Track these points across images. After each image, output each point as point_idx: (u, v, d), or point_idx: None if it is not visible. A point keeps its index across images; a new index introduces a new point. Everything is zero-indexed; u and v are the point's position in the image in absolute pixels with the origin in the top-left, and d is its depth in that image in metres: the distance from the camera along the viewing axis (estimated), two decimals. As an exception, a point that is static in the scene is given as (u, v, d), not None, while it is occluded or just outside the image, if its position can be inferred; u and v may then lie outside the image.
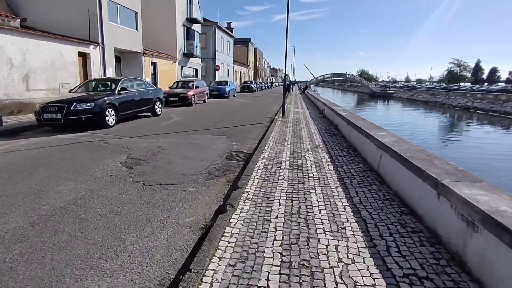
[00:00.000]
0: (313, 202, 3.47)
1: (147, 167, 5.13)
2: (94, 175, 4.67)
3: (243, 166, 5.39)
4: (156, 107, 11.85)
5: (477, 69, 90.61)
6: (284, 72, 11.88)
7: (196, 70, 30.27)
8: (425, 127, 22.45)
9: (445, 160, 3.23)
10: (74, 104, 8.11)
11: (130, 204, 3.63)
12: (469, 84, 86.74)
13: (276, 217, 3.09)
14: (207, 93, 20.16)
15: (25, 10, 14.68)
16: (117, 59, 18.89)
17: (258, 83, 48.55)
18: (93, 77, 13.67)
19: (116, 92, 9.45)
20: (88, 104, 8.30)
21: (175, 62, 24.37)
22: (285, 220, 3.02)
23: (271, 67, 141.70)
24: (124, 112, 9.75)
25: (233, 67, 46.61)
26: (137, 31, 18.71)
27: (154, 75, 21.46)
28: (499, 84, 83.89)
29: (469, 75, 64.69)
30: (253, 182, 4.20)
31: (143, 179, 4.53)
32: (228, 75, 43.47)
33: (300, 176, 4.44)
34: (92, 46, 14.50)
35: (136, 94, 10.54)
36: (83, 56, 14.20)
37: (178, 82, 18.82)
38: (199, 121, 10.82)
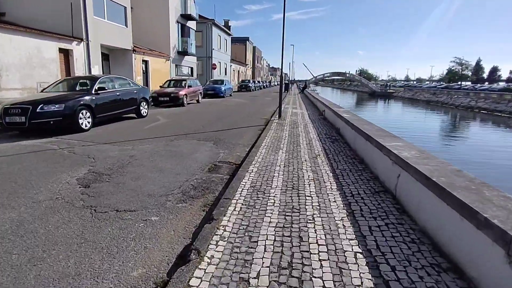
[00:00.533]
0: (311, 246, 2.51)
1: (108, 185, 4.16)
2: (35, 197, 3.70)
3: (227, 182, 4.44)
4: (141, 108, 10.88)
5: (478, 68, 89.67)
6: (281, 70, 10.95)
7: (192, 68, 29.28)
8: (430, 128, 21.51)
9: (498, 189, 2.28)
10: (41, 105, 7.14)
11: (63, 247, 2.67)
12: (469, 83, 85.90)
13: (258, 276, 2.13)
14: (201, 93, 19.18)
15: (5, 5, 13.69)
16: (106, 57, 17.92)
17: (256, 82, 47.55)
18: (76, 76, 12.66)
19: (93, 91, 8.47)
20: (57, 106, 7.33)
21: (168, 60, 23.38)
22: (270, 282, 2.06)
23: (270, 66, 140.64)
24: (102, 114, 8.77)
25: (231, 65, 45.61)
26: (127, 27, 17.72)
27: (146, 73, 20.48)
28: (500, 83, 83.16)
29: (470, 74, 63.63)
30: (234, 209, 3.25)
31: (96, 204, 3.56)
32: (226, 74, 42.47)
33: (295, 200, 3.48)
34: (75, 42, 13.51)
35: (117, 94, 9.56)
36: (65, 53, 13.22)
37: (170, 81, 17.84)
38: (187, 124, 9.86)
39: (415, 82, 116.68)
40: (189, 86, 17.07)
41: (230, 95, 27.10)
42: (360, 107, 41.91)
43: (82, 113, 7.89)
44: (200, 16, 33.40)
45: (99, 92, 8.65)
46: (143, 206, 3.54)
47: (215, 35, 36.48)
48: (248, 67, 64.17)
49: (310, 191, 3.75)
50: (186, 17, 26.14)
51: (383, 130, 5.24)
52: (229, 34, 44.26)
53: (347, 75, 73.18)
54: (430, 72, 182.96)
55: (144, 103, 11.11)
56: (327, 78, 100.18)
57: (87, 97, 8.19)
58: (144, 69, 20.18)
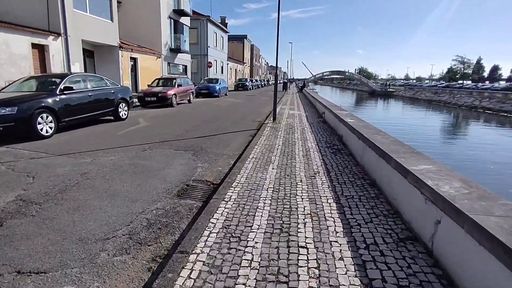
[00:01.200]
0: None
1: (29, 222, 3.05)
2: None
3: (195, 214, 3.34)
4: (119, 109, 9.75)
5: (478, 67, 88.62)
6: (276, 67, 9.83)
7: (185, 66, 28.12)
8: (436, 130, 20.43)
9: None
10: (-13, 108, 6.00)
11: None
12: (469, 82, 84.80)
13: None
14: (192, 92, 18.04)
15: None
16: (90, 54, 16.77)
17: (254, 81, 46.40)
18: (44, 73, 11.49)
19: (57, 92, 7.33)
20: (8, 109, 6.19)
21: (160, 57, 22.21)
22: None
23: (269, 65, 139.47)
24: (69, 118, 7.63)
25: (228, 64, 44.46)
26: (112, 21, 16.54)
27: (135, 72, 19.32)
28: (500, 82, 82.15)
29: (472, 72, 62.53)
30: (189, 275, 2.13)
31: (-6, 258, 2.44)
32: (222, 72, 41.32)
33: (283, 256, 2.36)
34: (52, 37, 12.34)
35: (89, 94, 8.42)
36: (40, 49, 12.06)
37: (158, 79, 16.68)
38: (170, 128, 8.73)
39: (414, 81, 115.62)
40: (179, 85, 15.92)
41: (226, 95, 25.96)
42: (361, 106, 40.82)
43: (41, 117, 6.75)
44: (194, 13, 32.24)
45: (65, 92, 7.50)
46: (61, 262, 2.42)
47: (210, 32, 35.32)
48: (246, 65, 63.01)
49: (306, 237, 2.64)
50: (179, 12, 24.95)
51: (400, 142, 4.13)
52: (226, 32, 43.08)
53: (347, 73, 72.07)
54: (431, 70, 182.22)
55: (124, 105, 9.97)
56: (326, 77, 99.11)
57: (49, 99, 7.05)
58: (132, 67, 19.02)
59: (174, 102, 15.07)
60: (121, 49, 17.21)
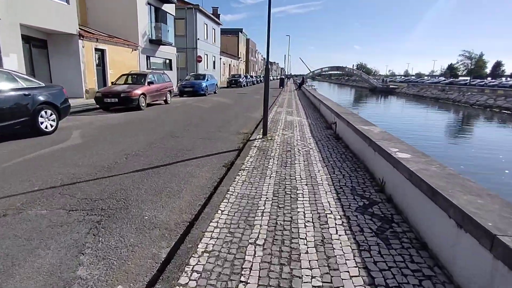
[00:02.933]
0: None
1: None
2: None
3: None
4: (40, 119, 6.73)
5: (481, 63, 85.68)
6: (266, 59, 6.83)
7: (170, 60, 24.97)
8: (459, 135, 17.57)
9: None
10: None
11: None
12: (467, 78, 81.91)
13: None
14: (170, 91, 15.00)
15: None
16: (42, 44, 13.65)
17: (249, 77, 43.32)
18: None
19: None
20: None
21: (136, 50, 19.07)
22: None
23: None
24: None
25: (220, 58, 41.32)
26: (68, 4, 13.40)
27: (102, 66, 16.21)
28: (502, 78, 79.50)
29: (486, 69, 59.58)
30: None
31: None
32: (214, 67, 38.19)
33: None
34: (-30, 19, 9.24)
35: (-25, 98, 5.40)
36: (-49, 34, 8.96)
37: (127, 76, 13.60)
38: (105, 150, 5.74)
39: (413, 77, 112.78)
40: (150, 83, 12.87)
41: (215, 92, 22.94)
42: (363, 104, 37.92)
43: None
44: (181, 1, 29.08)
45: None
46: None
47: (200, 23, 32.14)
48: (241, 60, 59.85)
49: None
50: (161, -2, 21.77)
51: None
52: (218, 24, 39.87)
53: (347, 69, 69.03)
54: (433, 66, 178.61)
55: (49, 112, 6.95)
56: (324, 73, 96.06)
57: None
58: (99, 60, 15.91)
59: (143, 104, 12.04)
60: (82, 38, 14.09)
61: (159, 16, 22.04)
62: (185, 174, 4.51)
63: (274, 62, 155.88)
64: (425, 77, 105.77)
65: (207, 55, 34.70)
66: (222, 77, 41.31)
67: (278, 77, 49.90)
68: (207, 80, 21.02)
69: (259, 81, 53.38)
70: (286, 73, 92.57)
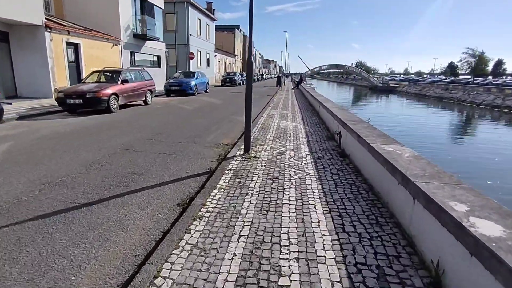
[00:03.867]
0: None
1: None
2: None
3: None
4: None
5: (482, 61, 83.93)
6: (249, 54, 5.20)
7: (158, 57, 23.28)
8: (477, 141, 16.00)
9: None
10: None
11: None
12: (468, 76, 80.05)
13: None
14: (151, 90, 13.35)
15: None
16: (4, 37, 11.97)
17: (245, 74, 41.59)
18: None
19: None
20: None
21: (117, 45, 17.38)
22: None
23: (264, 58, 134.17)
24: None
25: (215, 55, 39.60)
26: (31, -10, 11.71)
27: (76, 63, 14.52)
28: (503, 77, 77.85)
29: (489, 67, 57.75)
30: None
31: None
32: (208, 65, 36.51)
33: None
34: None
35: None
36: None
37: (100, 72, 11.93)
38: (6, 180, 4.11)
39: (412, 76, 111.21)
40: (125, 81, 11.20)
41: (205, 92, 21.28)
42: (364, 103, 36.36)
43: None
44: (172, -6, 27.34)
45: None
46: None
47: (193, 18, 30.42)
48: (238, 58, 58.09)
49: None
50: (147, -11, 20.06)
51: None
52: (213, 19, 38.12)
53: (346, 67, 67.34)
54: (433, 64, 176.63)
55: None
56: (323, 71, 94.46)
57: None
58: (73, 56, 14.22)
59: (114, 106, 10.39)
60: (49, 30, 12.40)
61: (145, 9, 20.32)
62: (110, 224, 2.89)
63: (272, 60, 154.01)
64: (425, 76, 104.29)
65: (200, 52, 33.01)
66: (217, 75, 39.66)
67: (276, 76, 48.10)
68: (196, 78, 19.35)
69: (257, 79, 51.68)
70: (285, 72, 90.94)
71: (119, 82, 10.91)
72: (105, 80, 11.30)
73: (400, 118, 22.37)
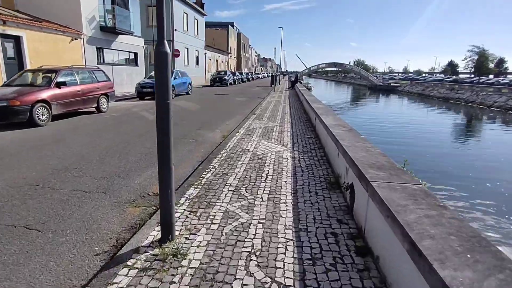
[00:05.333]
0: None
1: None
2: None
3: None
4: None
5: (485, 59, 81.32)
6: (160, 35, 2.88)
7: (135, 54, 20.60)
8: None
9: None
10: None
11: None
12: (467, 75, 77.46)
13: None
14: (107, 95, 10.73)
15: None
16: None
17: (237, 74, 38.96)
18: None
19: None
20: None
21: (78, 39, 14.71)
22: None
23: (261, 57, 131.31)
24: None
25: (205, 53, 36.90)
26: None
27: (18, 59, 11.85)
28: (508, 76, 75.58)
29: (492, 65, 55.16)
30: None
31: None
32: (197, 63, 33.88)
33: None
34: None
35: None
36: None
37: (33, 72, 9.27)
38: None
39: (411, 75, 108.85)
40: (61, 84, 8.54)
41: (187, 93, 18.69)
42: (368, 105, 33.86)
43: None
44: (153, -17, 24.60)
45: None
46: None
47: (178, 11, 27.76)
48: (231, 56, 55.40)
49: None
50: (118, -24, 17.36)
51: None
52: (202, 14, 35.43)
53: (345, 66, 64.81)
54: (434, 63, 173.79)
55: None
56: (320, 70, 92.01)
57: None
58: (11, 51, 11.55)
59: (43, 117, 7.77)
60: (-27, 18, 9.74)
61: (116, -1, 17.62)
62: None
63: (270, 59, 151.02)
64: (424, 74, 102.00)
65: (187, 49, 30.34)
66: (207, 74, 36.98)
67: (268, 74, 45.16)
68: (174, 78, 16.70)
69: (250, 79, 49.05)
70: (282, 70, 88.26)
71: (53, 85, 8.28)
72: (37, 83, 8.68)
73: (414, 124, 19.87)
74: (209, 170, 4.40)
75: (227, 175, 4.19)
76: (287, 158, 5.00)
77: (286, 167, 4.56)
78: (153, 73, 17.64)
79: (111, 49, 17.63)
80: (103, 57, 17.05)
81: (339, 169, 3.92)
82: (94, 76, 10.19)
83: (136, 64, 20.74)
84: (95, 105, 10.11)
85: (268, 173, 4.27)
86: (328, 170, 4.42)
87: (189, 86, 18.98)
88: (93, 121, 8.85)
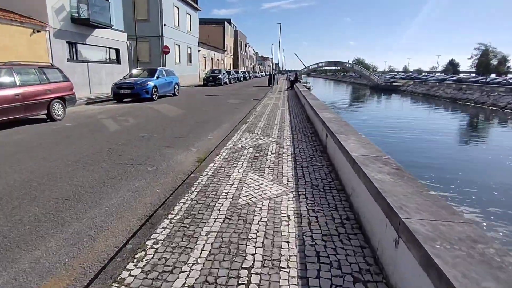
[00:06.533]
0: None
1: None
2: None
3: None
4: None
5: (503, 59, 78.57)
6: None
7: (117, 51, 18.48)
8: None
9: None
10: None
11: None
12: (469, 74, 75.26)
13: None
14: (63, 98, 8.64)
15: None
16: None
17: (233, 72, 36.88)
18: None
19: None
20: None
21: (42, 31, 12.59)
22: None
23: (259, 55, 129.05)
24: None
25: (199, 50, 34.78)
26: None
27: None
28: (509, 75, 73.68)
29: (495, 63, 53.07)
30: None
31: None
32: (190, 61, 31.78)
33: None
34: None
35: None
36: None
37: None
38: None
39: (411, 74, 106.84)
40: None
41: (174, 94, 16.63)
42: (372, 106, 31.87)
43: None
44: (139, -27, 22.56)
45: None
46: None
47: (168, 5, 25.64)
48: (228, 54, 53.27)
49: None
50: (93, -40, 15.19)
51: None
52: (196, 9, 33.27)
53: (346, 64, 62.77)
54: (437, 61, 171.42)
55: None
56: (319, 69, 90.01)
57: None
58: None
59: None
60: None
61: (92, -14, 15.47)
62: None
63: (268, 58, 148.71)
64: (424, 74, 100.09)
65: (179, 45, 28.24)
66: (201, 72, 34.85)
67: (265, 73, 42.83)
68: (157, 77, 14.62)
69: (247, 78, 46.97)
70: (280, 69, 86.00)
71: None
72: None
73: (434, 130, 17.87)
74: (144, 253, 2.35)
75: (173, 270, 2.14)
76: (289, 217, 2.95)
77: (288, 242, 2.51)
78: (134, 71, 15.60)
79: (86, 44, 15.50)
80: (76, 53, 14.93)
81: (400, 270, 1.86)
82: (44, 76, 8.10)
83: (118, 62, 18.62)
84: (45, 112, 8.03)
85: (252, 264, 2.22)
86: (370, 259, 2.34)
87: (176, 86, 16.89)
88: (29, 134, 6.76)
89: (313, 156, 5.08)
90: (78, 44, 14.98)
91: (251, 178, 3.98)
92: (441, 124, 20.41)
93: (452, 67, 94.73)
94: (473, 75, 66.02)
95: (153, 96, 13.83)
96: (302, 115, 9.78)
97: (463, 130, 19.02)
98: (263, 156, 5.01)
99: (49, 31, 12.88)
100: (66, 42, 14.06)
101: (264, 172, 4.22)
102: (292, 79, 27.39)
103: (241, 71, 46.76)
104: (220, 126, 8.10)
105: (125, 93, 13.18)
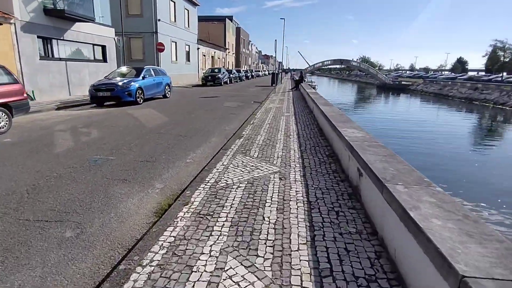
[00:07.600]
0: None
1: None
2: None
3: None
4: None
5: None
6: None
7: (103, 48, 16.65)
8: None
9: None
10: None
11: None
12: (475, 73, 72.39)
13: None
14: (9, 105, 6.80)
15: None
16: None
17: (234, 71, 34.97)
18: None
19: None
20: None
21: (5, 24, 10.77)
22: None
23: (262, 53, 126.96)
24: None
25: (198, 48, 32.90)
26: None
27: None
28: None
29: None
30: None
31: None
32: (189, 59, 29.92)
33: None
34: None
35: None
36: None
37: None
38: None
39: (418, 72, 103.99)
40: None
41: (164, 96, 14.76)
42: (386, 108, 29.76)
43: None
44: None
45: None
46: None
47: (163, -1, 23.76)
48: (230, 52, 51.32)
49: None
50: None
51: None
52: (194, 4, 31.38)
53: (352, 63, 60.52)
54: (446, 59, 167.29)
55: None
56: (324, 67, 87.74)
57: None
58: None
59: None
60: None
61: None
62: None
63: (271, 56, 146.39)
64: (430, 72, 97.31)
65: (175, 43, 26.38)
66: (201, 71, 32.95)
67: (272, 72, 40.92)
68: (143, 78, 12.74)
69: (249, 77, 45.05)
70: (284, 67, 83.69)
71: None
72: None
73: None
74: None
75: None
76: None
77: None
78: (118, 70, 13.48)
79: (64, 39, 13.68)
80: (51, 49, 13.10)
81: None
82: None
83: (105, 60, 16.81)
84: (-20, 123, 6.20)
85: None
86: None
87: (167, 87, 15.01)
88: None
89: (339, 207, 3.15)
90: (53, 40, 13.16)
91: (233, 272, 2.07)
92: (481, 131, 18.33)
93: (461, 65, 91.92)
94: (483, 73, 63.51)
95: (138, 99, 11.97)
96: (312, 125, 7.84)
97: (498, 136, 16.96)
98: (258, 208, 3.10)
99: (15, 23, 11.06)
100: (38, 37, 12.23)
101: (258, 255, 2.30)
102: (297, 78, 25.31)
103: (243, 70, 44.83)
104: (207, 141, 6.20)
105: (105, 95, 11.33)
